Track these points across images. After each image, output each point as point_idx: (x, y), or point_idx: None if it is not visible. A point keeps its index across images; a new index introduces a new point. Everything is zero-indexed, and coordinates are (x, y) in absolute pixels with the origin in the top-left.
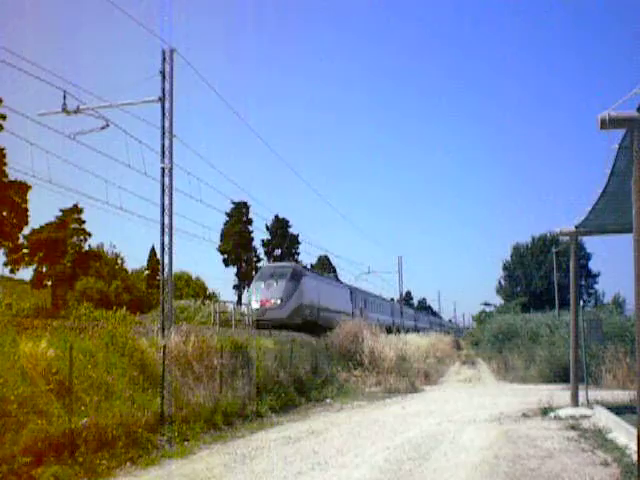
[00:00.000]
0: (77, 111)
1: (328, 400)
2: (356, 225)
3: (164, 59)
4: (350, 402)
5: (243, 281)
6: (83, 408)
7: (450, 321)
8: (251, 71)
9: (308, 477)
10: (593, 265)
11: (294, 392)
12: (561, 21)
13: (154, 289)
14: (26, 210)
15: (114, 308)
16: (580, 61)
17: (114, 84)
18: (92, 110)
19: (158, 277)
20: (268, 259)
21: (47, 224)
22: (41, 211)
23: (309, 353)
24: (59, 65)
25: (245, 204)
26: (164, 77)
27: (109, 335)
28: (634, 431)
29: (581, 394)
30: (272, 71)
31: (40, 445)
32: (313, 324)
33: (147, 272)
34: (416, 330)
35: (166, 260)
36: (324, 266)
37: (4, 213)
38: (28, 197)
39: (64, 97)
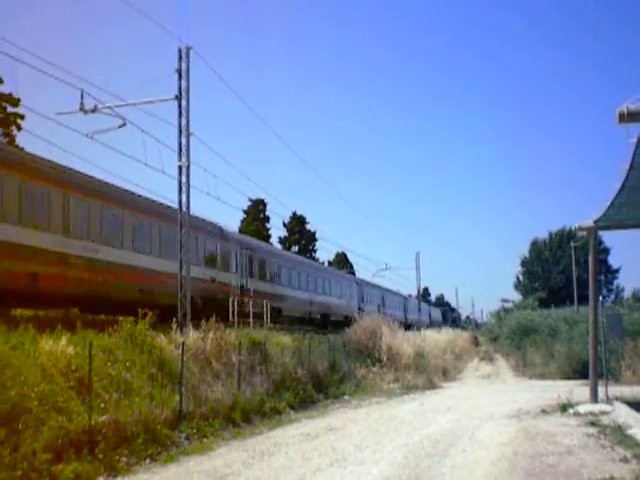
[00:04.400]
0: (94, 110)
1: (346, 397)
2: (373, 222)
3: (180, 57)
4: (368, 398)
5: None
6: (102, 405)
7: (468, 318)
8: (269, 70)
9: (326, 473)
10: (612, 260)
11: (312, 389)
12: (579, 13)
13: None
14: None
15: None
16: (605, 49)
17: (131, 83)
18: (109, 109)
19: None
20: None
21: None
22: None
23: (327, 349)
24: (76, 65)
25: (262, 201)
26: (180, 75)
27: (128, 332)
28: None
29: (600, 390)
30: (291, 71)
31: (60, 442)
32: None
33: None
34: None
35: (184, 257)
36: (341, 263)
37: None
38: None
39: (82, 96)
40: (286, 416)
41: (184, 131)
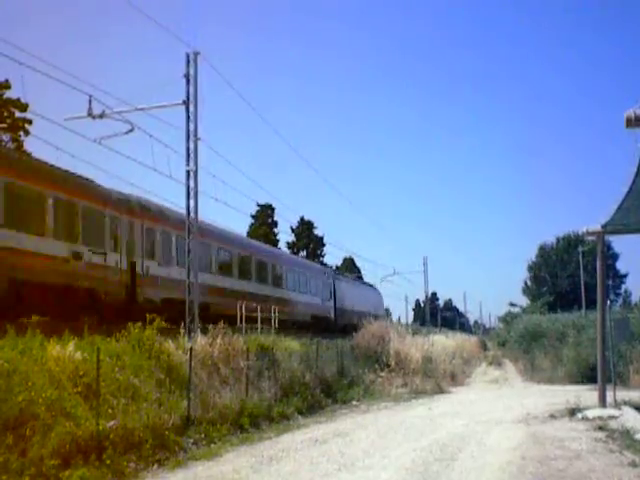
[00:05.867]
0: (102, 115)
1: (354, 402)
2: (381, 226)
3: (188, 62)
4: (376, 403)
5: None
6: (110, 411)
7: (476, 322)
8: (277, 74)
9: (335, 479)
10: (621, 265)
11: (320, 394)
12: (592, 17)
13: None
14: None
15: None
16: (617, 53)
17: (139, 88)
18: (117, 114)
19: None
20: None
21: None
22: None
23: (335, 354)
24: (84, 70)
25: (270, 206)
26: (188, 80)
27: (136, 338)
28: None
29: (609, 394)
30: (299, 75)
31: (68, 447)
32: None
33: None
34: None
35: (192, 264)
36: (348, 268)
37: None
38: None
39: (89, 102)
40: (294, 421)
41: (192, 136)
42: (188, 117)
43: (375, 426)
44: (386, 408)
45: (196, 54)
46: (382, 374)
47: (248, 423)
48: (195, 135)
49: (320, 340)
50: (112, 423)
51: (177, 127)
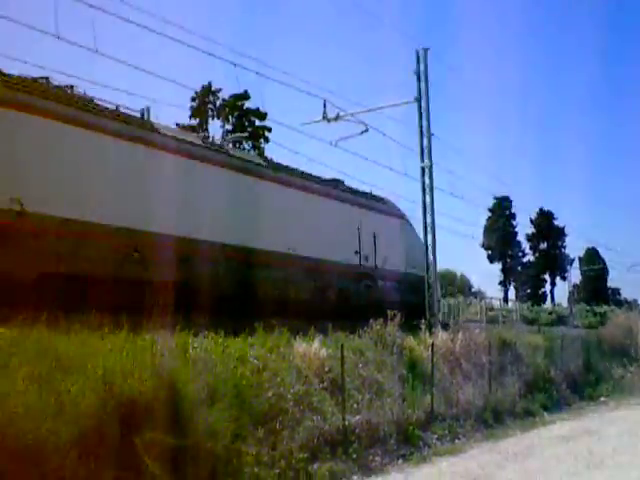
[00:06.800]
0: (337, 118)
1: (602, 398)
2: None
3: (418, 59)
4: (626, 400)
5: (508, 277)
6: (355, 405)
7: None
8: (505, 66)
9: (583, 477)
10: None
11: (566, 390)
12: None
13: None
14: None
15: None
16: None
17: (368, 88)
18: (351, 116)
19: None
20: (533, 253)
21: None
22: None
23: (580, 349)
24: (318, 74)
25: (507, 199)
26: (419, 77)
27: (378, 334)
28: None
29: None
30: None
31: (315, 442)
32: None
33: None
34: None
35: (430, 259)
36: (591, 260)
37: None
38: None
39: (324, 106)
40: (539, 418)
41: (425, 133)
42: (420, 114)
43: (626, 423)
44: (638, 405)
45: (425, 50)
46: (631, 369)
47: (491, 419)
48: (428, 131)
49: (565, 334)
50: (357, 418)
51: (408, 125)
